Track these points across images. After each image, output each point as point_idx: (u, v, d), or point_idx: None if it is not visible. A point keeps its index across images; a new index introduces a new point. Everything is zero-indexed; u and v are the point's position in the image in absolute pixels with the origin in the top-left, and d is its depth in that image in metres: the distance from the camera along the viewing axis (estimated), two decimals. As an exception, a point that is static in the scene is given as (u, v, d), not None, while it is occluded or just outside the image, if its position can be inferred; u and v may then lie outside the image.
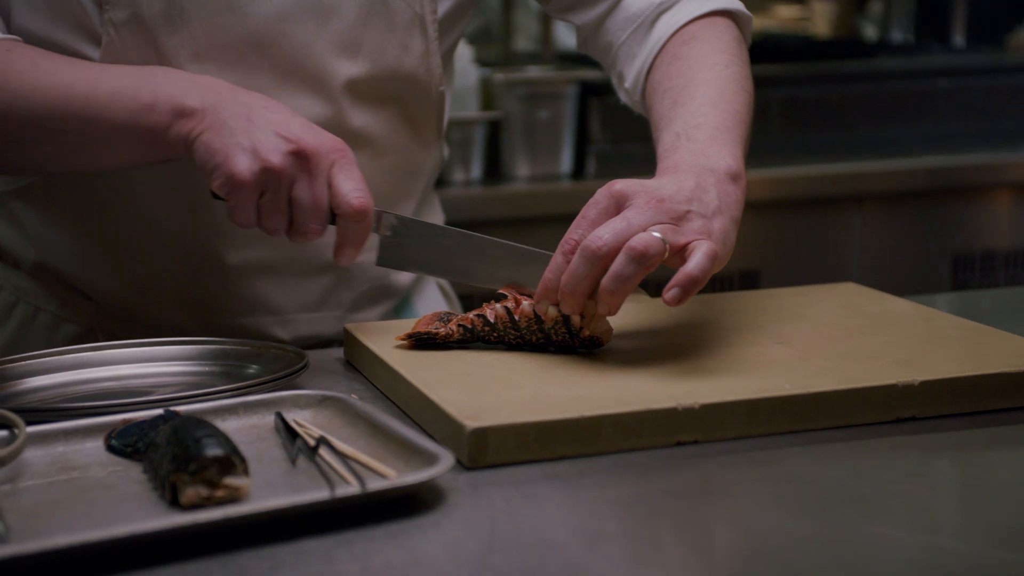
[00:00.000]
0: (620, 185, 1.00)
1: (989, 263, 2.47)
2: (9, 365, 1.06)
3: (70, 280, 1.24)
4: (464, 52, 2.23)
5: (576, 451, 0.90)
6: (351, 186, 1.03)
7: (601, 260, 0.97)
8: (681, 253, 0.98)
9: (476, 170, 2.25)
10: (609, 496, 0.85)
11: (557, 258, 1.00)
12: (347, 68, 1.17)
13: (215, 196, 1.07)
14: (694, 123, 1.10)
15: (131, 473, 0.88)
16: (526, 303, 1.03)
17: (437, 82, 1.23)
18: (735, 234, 1.03)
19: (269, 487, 0.84)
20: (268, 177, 1.02)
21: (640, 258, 0.95)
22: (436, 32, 1.20)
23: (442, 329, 1.06)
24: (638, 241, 0.96)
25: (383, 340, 1.09)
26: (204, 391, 0.98)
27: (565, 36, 2.65)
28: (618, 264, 0.96)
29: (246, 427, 0.95)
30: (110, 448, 0.91)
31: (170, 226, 1.20)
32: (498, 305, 1.05)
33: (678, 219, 0.98)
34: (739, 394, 0.93)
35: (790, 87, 2.41)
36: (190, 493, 0.80)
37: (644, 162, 2.55)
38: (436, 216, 1.38)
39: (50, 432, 0.91)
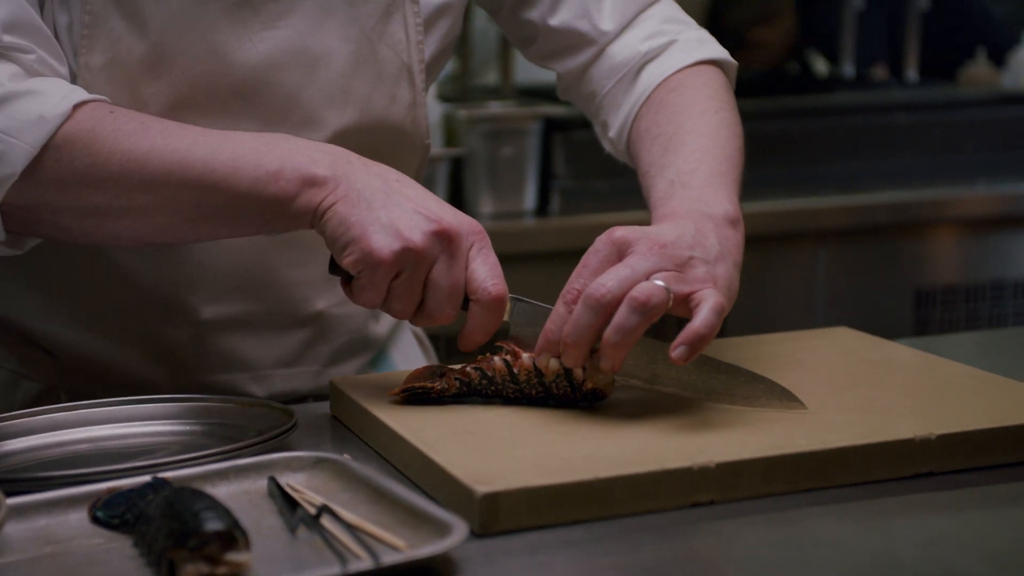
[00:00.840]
0: (621, 232, 0.97)
1: (950, 298, 2.48)
2: (-23, 428, 1.00)
3: (29, 334, 1.18)
4: (424, 88, 2.20)
5: (590, 514, 0.86)
6: (488, 272, 0.99)
7: (605, 308, 0.93)
8: (686, 302, 0.95)
9: (439, 208, 2.21)
10: (629, 564, 0.81)
11: (559, 308, 0.97)
12: (336, 118, 1.12)
13: (334, 271, 1.01)
14: (688, 169, 1.08)
15: (120, 547, 0.82)
16: (526, 356, 1.00)
17: (423, 134, 1.19)
18: (738, 280, 1.01)
19: (271, 561, 0.79)
20: (408, 257, 0.96)
21: (643, 308, 0.92)
22: (423, 83, 1.17)
23: (437, 384, 1.01)
24: (641, 291, 0.93)
25: (374, 395, 1.04)
26: (192, 456, 0.92)
27: (525, 70, 2.63)
28: (620, 316, 0.93)
29: (238, 493, 0.90)
30: (95, 520, 0.85)
31: (141, 277, 1.14)
32: (496, 358, 1.00)
33: (681, 266, 0.95)
34: (755, 451, 0.90)
35: (747, 122, 2.41)
36: (190, 571, 0.75)
37: (609, 198, 2.54)
38: None
39: (30, 504, 0.85)
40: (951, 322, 2.47)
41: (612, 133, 1.23)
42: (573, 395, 0.99)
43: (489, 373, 1.00)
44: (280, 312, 1.18)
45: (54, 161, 0.98)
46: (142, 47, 1.05)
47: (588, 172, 2.30)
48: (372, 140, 1.15)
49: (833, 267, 2.41)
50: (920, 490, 0.91)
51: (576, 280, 0.97)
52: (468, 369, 1.01)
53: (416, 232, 0.96)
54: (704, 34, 1.24)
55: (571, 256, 2.22)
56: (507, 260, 2.19)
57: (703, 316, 0.93)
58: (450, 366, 1.03)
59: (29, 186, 0.98)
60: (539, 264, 2.22)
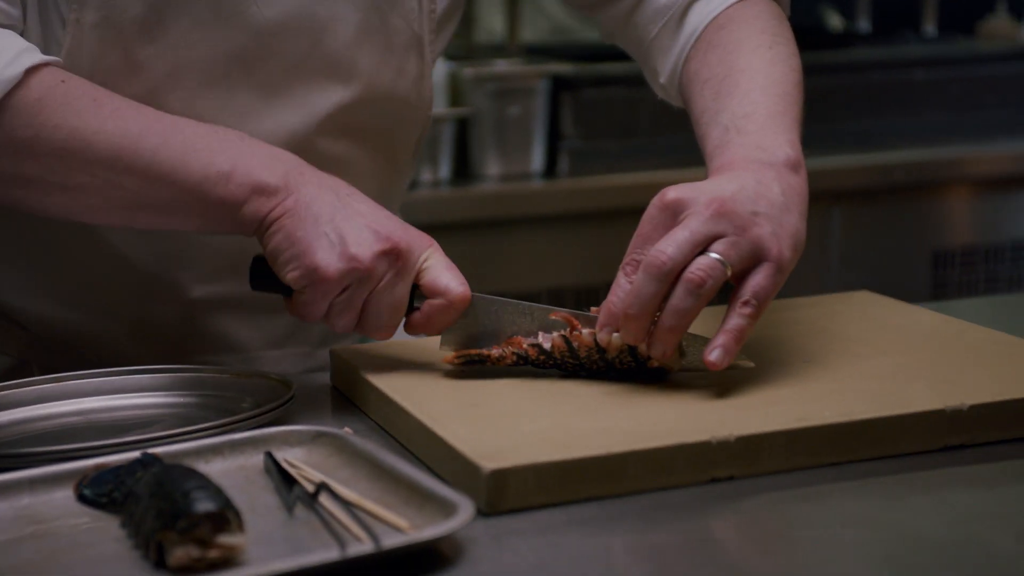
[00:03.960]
0: (673, 193, 0.91)
1: (969, 259, 2.42)
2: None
3: (4, 307, 1.13)
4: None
5: (602, 491, 0.81)
6: (451, 274, 0.96)
7: (667, 277, 0.88)
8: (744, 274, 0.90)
9: (444, 170, 2.16)
10: (644, 544, 0.77)
11: (620, 281, 0.91)
12: (338, 92, 1.07)
13: (258, 287, 0.97)
14: (743, 113, 1.00)
15: (107, 527, 0.78)
16: (586, 332, 0.94)
17: (427, 107, 1.14)
18: (805, 229, 0.95)
19: (266, 543, 0.75)
20: (354, 275, 0.93)
21: (699, 289, 0.88)
22: (432, 55, 1.11)
23: (494, 351, 0.96)
24: (697, 271, 0.88)
25: (377, 365, 1.00)
26: (185, 430, 0.88)
27: (531, 28, 2.57)
28: (677, 298, 0.88)
29: (233, 469, 0.86)
30: (81, 498, 0.81)
31: (129, 253, 1.09)
32: (555, 334, 0.95)
33: (744, 226, 0.89)
34: (776, 424, 0.85)
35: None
36: (179, 554, 0.71)
37: (619, 158, 2.48)
38: None
39: (13, 481, 0.81)
40: (970, 284, 2.41)
41: (663, 79, 1.16)
42: (637, 370, 0.94)
43: (547, 348, 0.95)
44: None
45: None
46: (139, 6, 0.99)
47: (597, 132, 2.24)
48: (374, 113, 1.10)
49: (848, 227, 2.35)
50: (951, 464, 0.86)
51: (633, 251, 0.91)
52: (525, 345, 0.96)
53: (364, 249, 0.93)
54: None
55: (580, 218, 2.20)
56: (514, 223, 2.16)
57: (735, 316, 0.89)
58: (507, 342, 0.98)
59: None
60: (547, 226, 2.17)
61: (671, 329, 0.89)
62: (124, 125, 0.94)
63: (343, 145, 1.10)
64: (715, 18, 1.11)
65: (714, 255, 0.88)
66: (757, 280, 0.90)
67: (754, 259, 0.90)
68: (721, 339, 0.89)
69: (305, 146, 1.06)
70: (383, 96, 1.09)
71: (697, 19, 1.12)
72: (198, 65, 1.02)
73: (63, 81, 0.94)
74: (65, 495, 0.81)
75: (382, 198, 1.16)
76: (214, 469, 0.84)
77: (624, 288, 0.90)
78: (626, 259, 0.91)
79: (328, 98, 1.07)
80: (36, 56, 0.94)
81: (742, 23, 1.10)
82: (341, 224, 0.93)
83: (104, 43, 0.99)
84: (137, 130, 0.94)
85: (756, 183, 0.92)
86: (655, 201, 0.91)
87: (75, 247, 1.09)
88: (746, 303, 0.90)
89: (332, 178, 0.97)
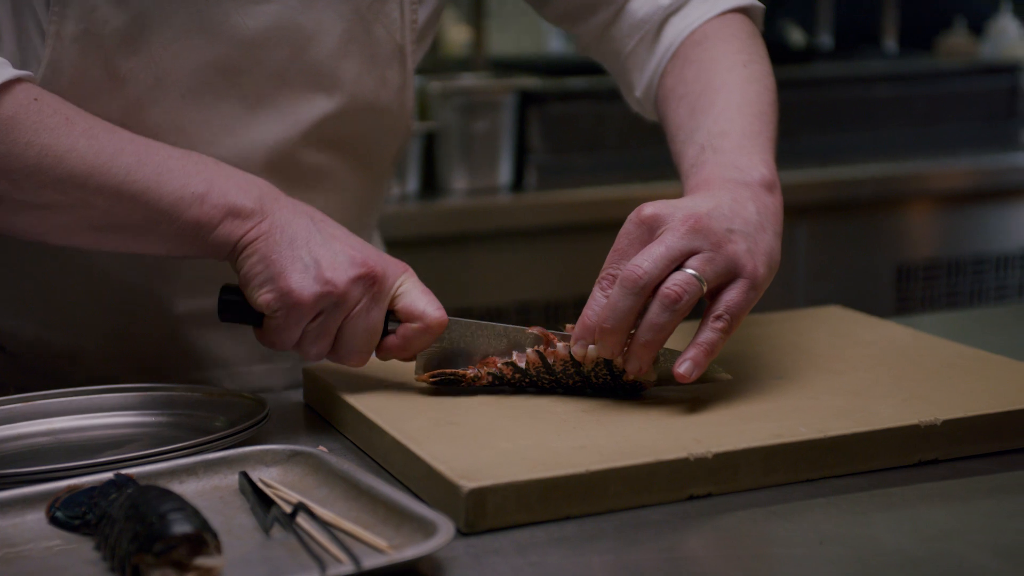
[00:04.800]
0: (650, 209, 0.91)
1: (932, 272, 2.44)
2: (-72, 421, 0.94)
3: None
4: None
5: (582, 510, 0.81)
6: (428, 299, 0.95)
7: (643, 291, 0.88)
8: (719, 290, 0.91)
9: (412, 184, 2.15)
10: (625, 562, 0.77)
11: (596, 295, 0.90)
12: (321, 102, 1.06)
13: (227, 317, 0.96)
14: (718, 131, 1.01)
15: (81, 550, 0.77)
16: (560, 345, 0.94)
17: (408, 117, 1.13)
18: (779, 249, 0.96)
19: (243, 564, 0.74)
20: (329, 300, 0.92)
21: (675, 305, 0.88)
22: (414, 64, 1.11)
23: (469, 371, 0.96)
24: (673, 286, 0.88)
25: (351, 383, 0.99)
26: (159, 450, 0.87)
27: (498, 42, 2.57)
28: (653, 313, 0.88)
29: (207, 490, 0.85)
30: (53, 520, 0.80)
31: (110, 267, 1.08)
32: (529, 350, 0.95)
33: (719, 242, 0.90)
34: (753, 440, 0.85)
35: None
36: (156, 578, 0.70)
37: (586, 172, 2.47)
38: (377, 242, 1.28)
39: (-17, 504, 0.80)
40: (932, 298, 2.44)
41: (638, 93, 1.16)
42: (613, 384, 0.94)
43: (522, 366, 0.95)
44: None
45: None
46: (121, 17, 0.98)
47: (564, 146, 2.25)
48: (358, 124, 1.09)
49: (813, 242, 2.37)
50: (925, 479, 0.87)
51: (609, 265, 0.91)
52: (499, 364, 0.95)
53: (339, 274, 0.92)
54: None
55: (547, 232, 2.19)
56: (482, 238, 2.16)
57: (708, 330, 0.90)
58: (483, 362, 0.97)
59: None
60: (515, 241, 2.17)
61: (647, 344, 0.89)
62: (97, 144, 0.93)
63: (325, 156, 1.09)
64: (691, 33, 1.11)
65: (690, 271, 0.89)
66: (731, 296, 0.91)
67: (729, 275, 0.91)
68: (692, 352, 0.90)
69: (288, 157, 1.06)
70: (366, 106, 1.09)
71: (673, 34, 1.12)
72: (181, 76, 1.01)
73: (36, 99, 0.93)
74: (37, 517, 0.80)
75: (362, 209, 1.16)
76: (189, 490, 0.84)
77: (600, 302, 0.90)
78: (602, 273, 0.91)
79: (312, 109, 1.06)
80: (9, 72, 0.93)
81: (718, 41, 1.10)
82: (316, 248, 0.93)
83: (85, 56, 0.98)
84: (111, 150, 0.93)
85: (732, 201, 0.92)
86: (632, 217, 0.91)
87: (52, 259, 1.08)
88: (719, 317, 0.90)
89: (305, 204, 0.97)
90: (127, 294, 1.09)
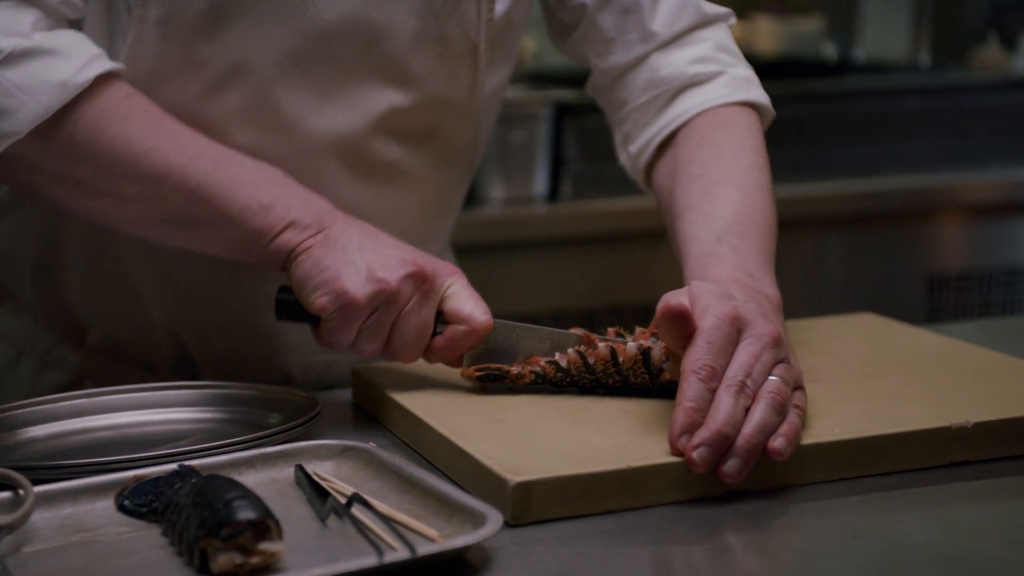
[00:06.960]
0: (739, 312, 0.91)
1: (963, 284, 2.46)
2: (-1, 415, 0.98)
3: (67, 323, 1.16)
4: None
5: (623, 504, 0.85)
6: (475, 302, 1.00)
7: (748, 397, 0.88)
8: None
9: (450, 193, 2.19)
10: (665, 554, 0.80)
11: (694, 385, 0.88)
12: (390, 96, 1.09)
13: (283, 316, 1.00)
14: (737, 231, 1.03)
15: (149, 536, 0.81)
16: (601, 345, 0.98)
17: (478, 115, 1.15)
18: None
19: (302, 551, 0.78)
20: (382, 298, 0.97)
21: (782, 407, 0.88)
22: (486, 61, 1.12)
23: (514, 368, 1.00)
24: (776, 392, 0.88)
25: (399, 383, 1.03)
26: (219, 444, 0.91)
27: (535, 55, 2.61)
28: (764, 415, 0.87)
29: (265, 481, 0.89)
30: (122, 508, 0.84)
31: (181, 267, 1.12)
32: (570, 350, 0.99)
33: (788, 356, 0.92)
34: (788, 440, 0.89)
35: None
36: (223, 561, 0.74)
37: (621, 183, 2.50)
38: (448, 255, 1.31)
39: (56, 492, 0.84)
40: (964, 309, 2.45)
41: (633, 148, 1.18)
42: (651, 384, 0.98)
43: (564, 365, 0.99)
44: None
45: (57, 128, 0.97)
46: (202, 3, 1.02)
47: (599, 157, 2.28)
48: (427, 117, 1.12)
49: (844, 253, 2.40)
50: (956, 479, 0.90)
51: (705, 356, 0.89)
52: (542, 363, 0.99)
53: (390, 273, 0.97)
54: (751, 74, 1.18)
55: (582, 242, 2.23)
56: (518, 247, 2.19)
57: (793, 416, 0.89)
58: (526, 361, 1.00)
59: (21, 141, 0.96)
60: (550, 250, 2.21)
61: (760, 445, 0.86)
62: (180, 146, 0.98)
63: (398, 149, 1.12)
64: (708, 112, 1.13)
65: (776, 378, 0.89)
66: (799, 396, 0.92)
67: (796, 384, 0.92)
68: (785, 428, 0.88)
69: (357, 147, 1.09)
70: (435, 101, 1.11)
71: (688, 104, 1.14)
72: (255, 64, 1.04)
73: (127, 96, 0.99)
74: (106, 505, 0.84)
75: (438, 211, 1.19)
76: (247, 481, 0.87)
77: (700, 393, 0.87)
78: (699, 363, 0.89)
79: (381, 100, 1.09)
80: (105, 64, 0.98)
81: (738, 134, 1.12)
82: (367, 253, 0.97)
83: (166, 39, 1.03)
84: (191, 153, 0.98)
85: (761, 312, 0.93)
86: (722, 315, 0.90)
87: (156, 263, 1.12)
88: (797, 406, 0.91)
89: (360, 220, 1.01)
90: (202, 286, 1.13)
